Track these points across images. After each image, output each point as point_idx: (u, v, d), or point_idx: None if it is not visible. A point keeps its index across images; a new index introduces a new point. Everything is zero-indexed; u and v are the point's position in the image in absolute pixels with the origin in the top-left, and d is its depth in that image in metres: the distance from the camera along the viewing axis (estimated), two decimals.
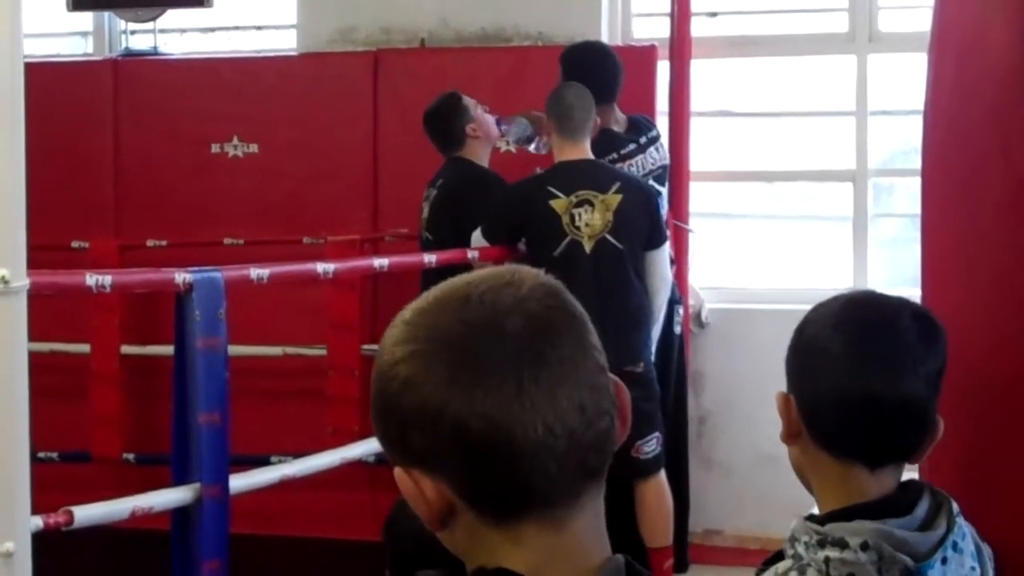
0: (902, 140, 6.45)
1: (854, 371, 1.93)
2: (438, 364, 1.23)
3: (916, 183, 2.61)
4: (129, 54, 7.15)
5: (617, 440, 1.29)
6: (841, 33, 6.60)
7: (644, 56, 6.31)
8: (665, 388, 5.78)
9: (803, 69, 6.81)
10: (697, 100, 6.49)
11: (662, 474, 5.54)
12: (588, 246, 5.37)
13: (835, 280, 6.35)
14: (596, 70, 5.77)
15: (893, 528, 1.87)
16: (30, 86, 3.04)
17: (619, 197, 5.39)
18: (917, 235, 2.61)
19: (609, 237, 5.39)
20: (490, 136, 5.85)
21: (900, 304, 2.01)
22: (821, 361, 1.96)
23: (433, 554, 1.40)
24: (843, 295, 2.05)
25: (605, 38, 6.64)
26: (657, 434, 5.49)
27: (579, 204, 5.37)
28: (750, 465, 6.26)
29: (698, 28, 6.50)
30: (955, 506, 1.94)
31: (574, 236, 5.37)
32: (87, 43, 7.46)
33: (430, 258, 5.21)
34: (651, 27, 6.72)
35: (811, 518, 1.94)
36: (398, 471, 1.27)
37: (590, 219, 5.37)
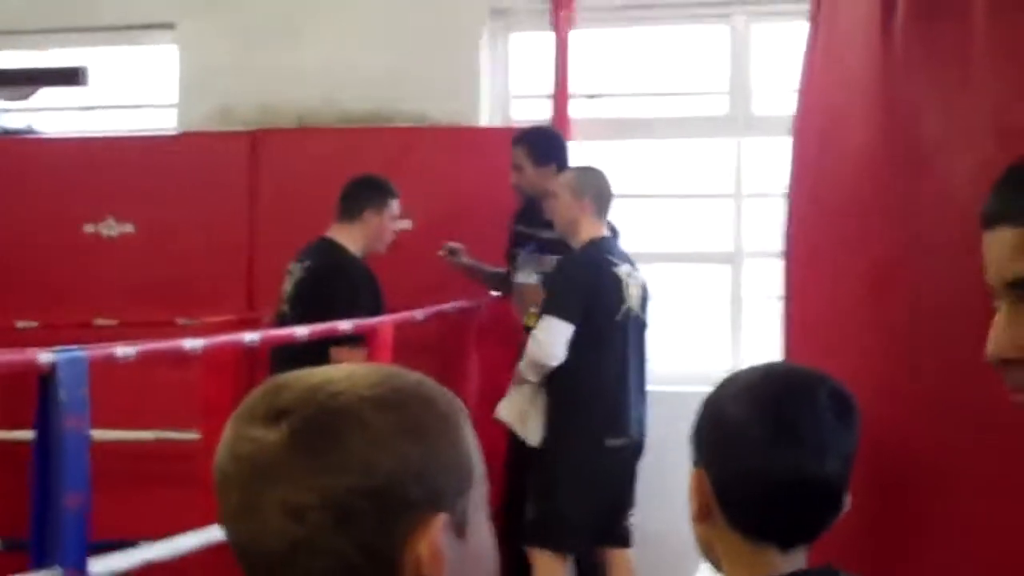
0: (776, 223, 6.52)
1: (779, 454, 1.86)
2: None
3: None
4: (3, 132, 7.04)
5: None
6: (720, 116, 6.67)
7: None
8: None
9: (684, 151, 6.87)
10: None
11: None
12: (637, 314, 5.55)
13: (714, 362, 6.38)
14: (564, 149, 6.08)
15: None
16: None
17: (639, 275, 5.61)
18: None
19: (637, 310, 5.56)
20: (374, 241, 5.80)
21: (817, 379, 1.94)
22: (743, 441, 1.88)
23: None
24: (758, 368, 1.97)
25: (485, 120, 6.66)
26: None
27: (628, 274, 5.53)
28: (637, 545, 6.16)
29: (578, 110, 6.54)
30: None
31: (630, 304, 5.51)
32: None
33: (302, 332, 5.09)
34: (531, 109, 6.74)
35: None
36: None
37: (634, 290, 5.54)
